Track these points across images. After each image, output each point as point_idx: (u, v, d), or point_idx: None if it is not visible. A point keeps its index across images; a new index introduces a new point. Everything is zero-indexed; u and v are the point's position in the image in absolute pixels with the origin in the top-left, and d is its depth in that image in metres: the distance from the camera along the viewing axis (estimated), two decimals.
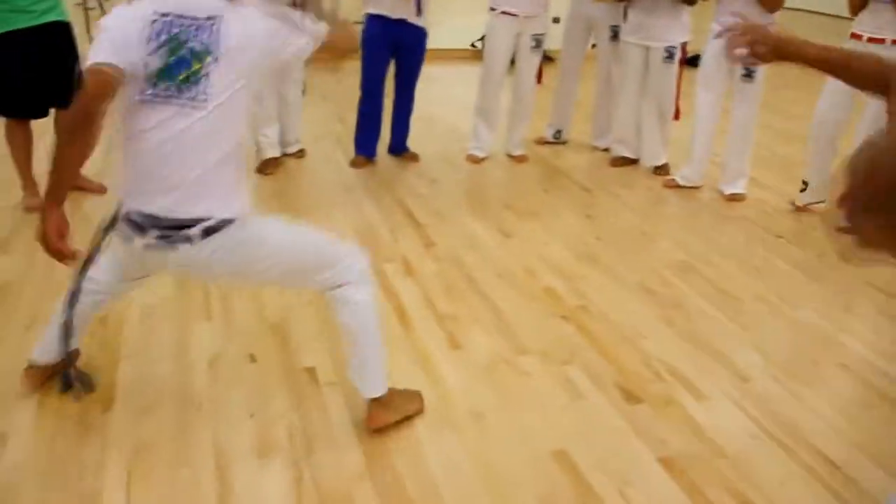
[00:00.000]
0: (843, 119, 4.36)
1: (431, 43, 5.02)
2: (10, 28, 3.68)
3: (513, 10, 4.90)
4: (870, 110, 4.15)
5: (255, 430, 2.50)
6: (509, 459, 2.43)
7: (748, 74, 4.53)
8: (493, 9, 4.99)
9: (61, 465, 2.33)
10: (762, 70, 4.50)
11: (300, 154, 5.08)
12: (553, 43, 5.50)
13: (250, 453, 2.40)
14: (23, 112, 3.94)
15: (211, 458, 2.37)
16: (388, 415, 2.50)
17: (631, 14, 4.94)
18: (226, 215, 2.10)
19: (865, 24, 4.18)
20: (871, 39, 4.12)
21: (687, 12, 4.83)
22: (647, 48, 4.91)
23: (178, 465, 2.34)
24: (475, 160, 5.24)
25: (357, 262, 2.38)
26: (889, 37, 4.07)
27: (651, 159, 5.17)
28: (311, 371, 2.81)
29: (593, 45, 5.46)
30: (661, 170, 5.13)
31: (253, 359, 2.87)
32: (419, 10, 4.67)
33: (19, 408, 2.55)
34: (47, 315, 2.61)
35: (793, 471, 2.45)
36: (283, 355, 2.90)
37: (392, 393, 2.50)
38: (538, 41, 5.02)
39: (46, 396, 2.60)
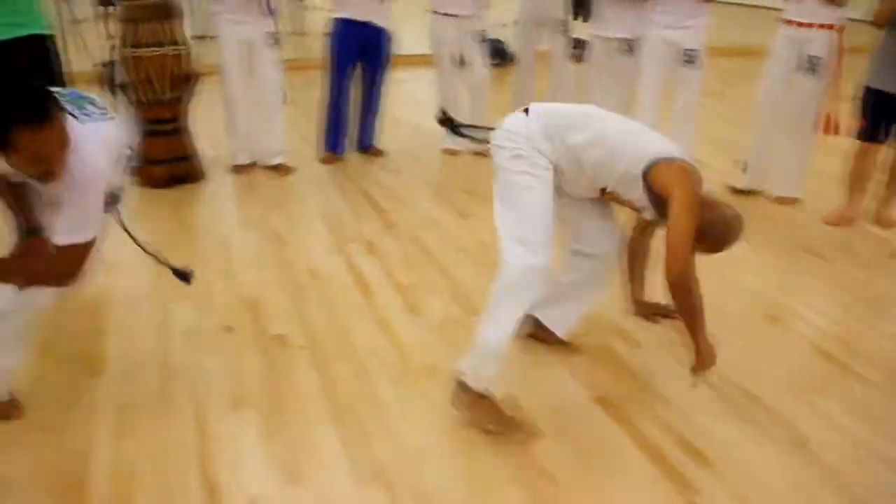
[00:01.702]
0: (781, 102, 4.66)
1: (398, 49, 5.33)
2: None
3: (453, 11, 5.24)
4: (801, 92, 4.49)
5: (230, 388, 2.78)
6: None
7: (690, 60, 4.84)
8: (434, 11, 5.35)
9: (51, 425, 2.59)
10: (702, 55, 4.82)
11: (284, 170, 5.10)
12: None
13: (226, 408, 2.67)
14: None
15: (190, 413, 2.64)
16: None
17: (595, 8, 5.26)
18: None
19: (793, 11, 4.51)
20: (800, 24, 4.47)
21: (644, 7, 5.07)
22: (607, 40, 5.22)
23: (161, 421, 2.61)
24: (452, 152, 5.60)
25: None
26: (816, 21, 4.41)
27: None
28: (281, 337, 3.09)
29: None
30: None
31: (229, 329, 3.14)
32: None
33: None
34: None
35: (711, 396, 2.77)
36: (256, 326, 3.18)
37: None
38: (482, 36, 5.34)
39: (37, 364, 2.86)
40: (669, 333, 3.15)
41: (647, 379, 2.89)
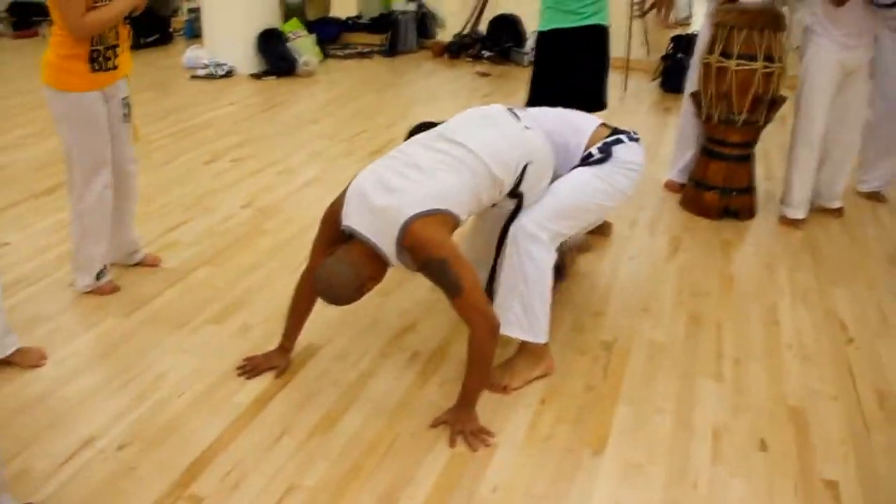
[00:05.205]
0: None
1: None
2: (557, 26, 3.75)
3: None
4: None
5: None
6: None
7: None
8: None
9: (550, 493, 2.25)
10: None
11: (838, 213, 4.43)
12: None
13: None
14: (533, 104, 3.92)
15: None
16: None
17: None
18: None
19: None
20: None
21: None
22: None
23: None
24: None
25: None
26: None
27: None
28: (831, 486, 2.34)
29: None
30: None
31: (763, 446, 2.49)
32: None
33: (509, 430, 2.53)
34: None
35: None
36: (800, 454, 2.47)
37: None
38: None
39: (534, 427, 2.54)
40: None
41: None
